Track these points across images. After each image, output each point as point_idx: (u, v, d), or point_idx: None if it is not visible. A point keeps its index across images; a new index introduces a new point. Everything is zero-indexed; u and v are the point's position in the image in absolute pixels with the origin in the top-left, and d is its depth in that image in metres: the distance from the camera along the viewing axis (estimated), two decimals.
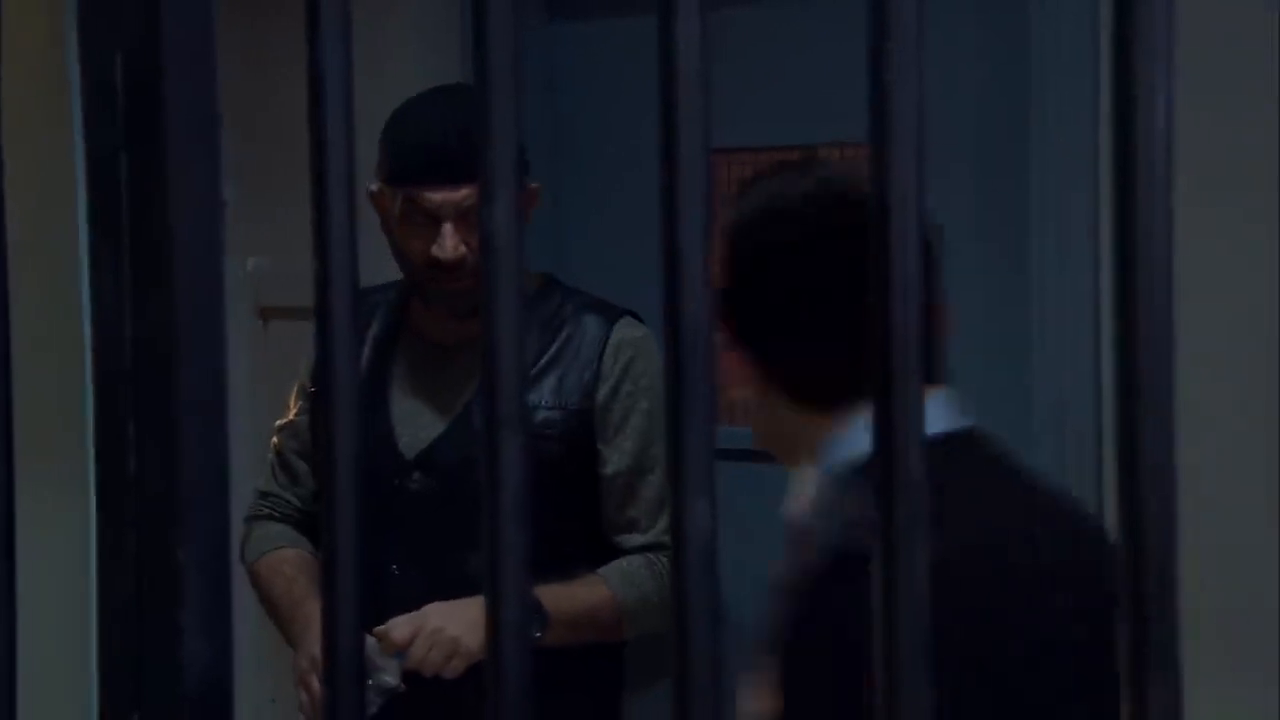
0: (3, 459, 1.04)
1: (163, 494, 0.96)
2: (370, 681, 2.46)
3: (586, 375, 2.62)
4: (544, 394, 2.61)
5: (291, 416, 2.81)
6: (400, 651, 2.46)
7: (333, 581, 0.93)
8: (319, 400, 0.93)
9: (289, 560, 2.72)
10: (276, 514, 2.80)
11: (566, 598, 2.53)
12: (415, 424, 2.66)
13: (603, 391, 2.63)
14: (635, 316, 2.72)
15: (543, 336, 2.64)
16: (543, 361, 2.63)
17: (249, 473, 3.43)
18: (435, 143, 2.55)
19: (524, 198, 2.53)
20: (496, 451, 0.87)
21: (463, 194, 2.53)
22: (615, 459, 2.63)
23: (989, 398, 3.17)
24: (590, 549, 2.63)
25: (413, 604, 2.50)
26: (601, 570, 2.62)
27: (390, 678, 2.45)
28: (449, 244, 2.53)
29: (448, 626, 2.45)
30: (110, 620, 0.99)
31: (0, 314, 1.03)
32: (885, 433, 0.73)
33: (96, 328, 0.98)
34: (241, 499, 3.00)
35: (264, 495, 2.84)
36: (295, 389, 2.83)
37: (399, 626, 2.48)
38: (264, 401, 3.38)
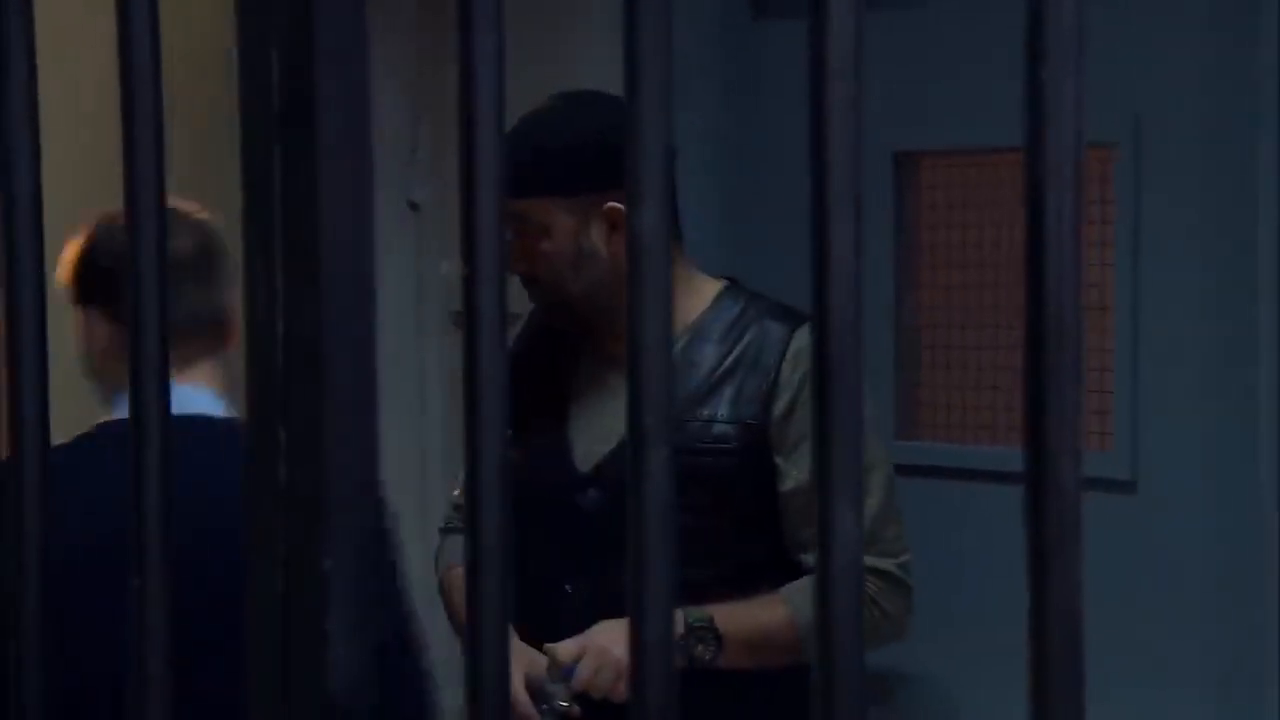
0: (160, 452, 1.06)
1: (310, 500, 0.98)
2: (544, 706, 2.47)
3: (764, 385, 2.57)
4: (721, 406, 2.56)
5: None
6: (569, 669, 2.46)
7: (477, 597, 0.94)
8: (465, 407, 0.94)
9: None
10: (461, 524, 2.82)
11: (742, 618, 2.51)
12: (591, 436, 2.63)
13: (781, 403, 2.58)
14: None
15: (721, 344, 2.59)
16: (720, 371, 2.58)
17: (446, 481, 3.46)
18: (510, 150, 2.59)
19: (616, 214, 2.54)
20: (642, 465, 0.87)
21: (512, 207, 2.52)
22: (794, 474, 2.58)
23: (1212, 410, 3.15)
24: (775, 568, 2.60)
25: (586, 624, 2.49)
26: (783, 589, 2.58)
27: (561, 699, 2.46)
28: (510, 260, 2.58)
29: (614, 646, 2.43)
30: (257, 627, 1.01)
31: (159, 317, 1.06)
32: (1038, 437, 0.73)
33: (249, 328, 1.01)
34: (439, 508, 3.01)
35: (457, 506, 2.82)
36: None
37: (565, 645, 2.47)
38: (460, 409, 3.40)
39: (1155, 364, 3.20)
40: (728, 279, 2.69)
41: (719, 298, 2.63)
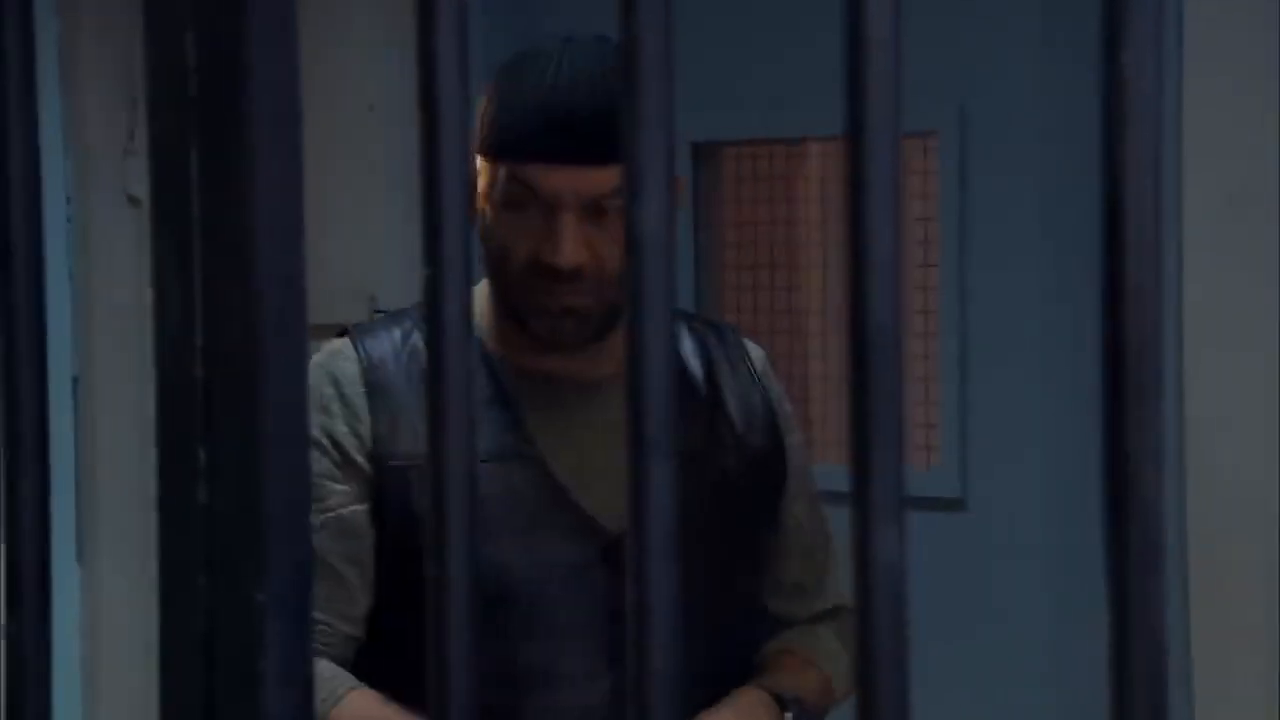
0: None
1: (240, 527, 0.99)
2: None
3: (757, 404, 2.32)
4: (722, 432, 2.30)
5: (332, 506, 2.22)
6: None
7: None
8: (430, 450, 0.93)
9: (375, 703, 2.19)
10: (321, 645, 2.20)
11: (810, 690, 2.29)
12: (601, 486, 2.23)
13: (781, 424, 2.34)
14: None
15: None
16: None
17: None
18: (564, 105, 2.11)
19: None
20: (643, 481, 0.89)
21: (595, 179, 2.10)
22: (796, 509, 2.35)
23: (1046, 420, 3.23)
24: (742, 618, 2.34)
25: None
26: (794, 649, 2.34)
27: None
28: (567, 246, 2.10)
29: None
30: (173, 671, 1.01)
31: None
32: (1118, 453, 0.76)
33: (160, 336, 1.01)
34: None
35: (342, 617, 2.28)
36: (313, 456, 2.10)
37: None
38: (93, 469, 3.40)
39: (984, 371, 3.28)
40: None
41: None
